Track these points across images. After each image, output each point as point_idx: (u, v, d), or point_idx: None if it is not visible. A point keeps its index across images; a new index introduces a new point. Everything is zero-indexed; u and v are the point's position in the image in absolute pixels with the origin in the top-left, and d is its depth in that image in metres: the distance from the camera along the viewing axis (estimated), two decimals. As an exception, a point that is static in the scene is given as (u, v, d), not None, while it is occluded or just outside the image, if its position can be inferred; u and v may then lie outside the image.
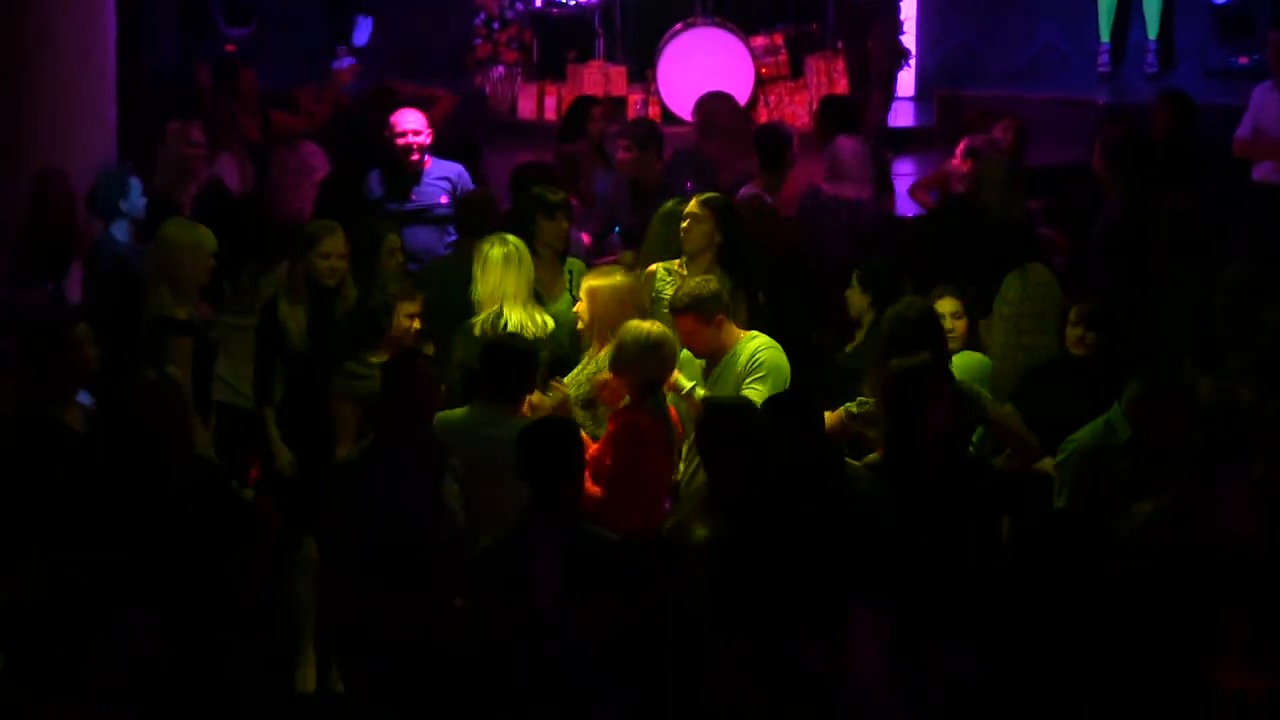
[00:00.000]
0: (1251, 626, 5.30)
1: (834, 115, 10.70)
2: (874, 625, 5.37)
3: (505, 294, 8.01)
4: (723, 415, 6.49)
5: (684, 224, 8.38)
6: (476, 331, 7.92)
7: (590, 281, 7.87)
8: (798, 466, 6.13)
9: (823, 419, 6.65)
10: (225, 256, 8.10)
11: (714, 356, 7.61)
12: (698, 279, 7.77)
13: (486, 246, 8.13)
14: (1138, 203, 9.08)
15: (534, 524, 6.01)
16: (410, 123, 9.84)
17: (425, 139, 9.81)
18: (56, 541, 5.94)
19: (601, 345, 7.65)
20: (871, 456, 6.97)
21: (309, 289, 8.10)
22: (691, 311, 7.53)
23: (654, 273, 8.45)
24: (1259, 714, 5.27)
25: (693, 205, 8.43)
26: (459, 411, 7.10)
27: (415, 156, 9.77)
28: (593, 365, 7.67)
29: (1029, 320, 8.18)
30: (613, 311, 7.65)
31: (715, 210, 8.39)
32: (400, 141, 9.78)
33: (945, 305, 7.85)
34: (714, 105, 11.04)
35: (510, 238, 8.20)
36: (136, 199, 8.95)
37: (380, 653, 6.10)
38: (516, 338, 7.60)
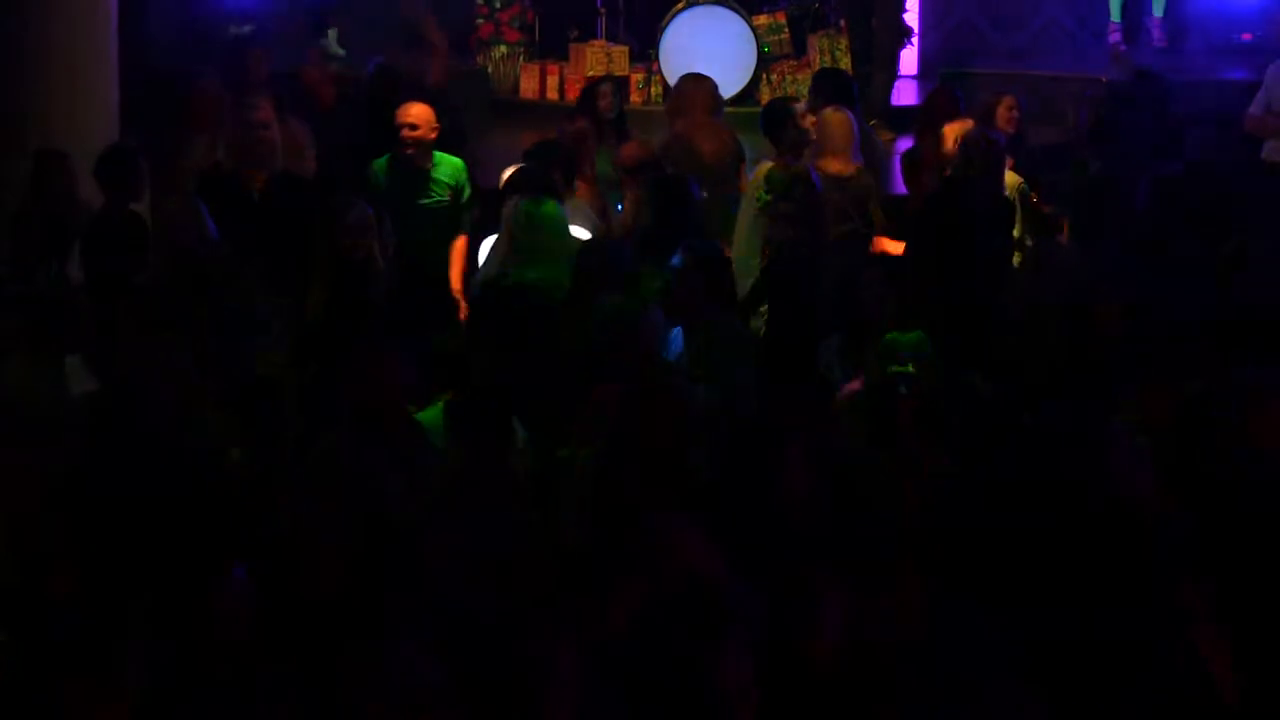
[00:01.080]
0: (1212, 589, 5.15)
1: (828, 90, 10.47)
2: (839, 600, 4.83)
3: (546, 254, 7.87)
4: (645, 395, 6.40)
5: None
6: None
7: None
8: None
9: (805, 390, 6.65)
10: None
11: (688, 321, 7.39)
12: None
13: (521, 207, 8.01)
14: (1098, 177, 9.24)
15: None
16: (411, 115, 9.51)
17: (425, 134, 9.47)
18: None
19: None
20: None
21: (334, 265, 8.00)
22: (704, 267, 7.41)
23: None
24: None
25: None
26: (430, 412, 6.79)
27: (410, 150, 9.45)
28: None
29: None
30: None
31: (641, 184, 8.36)
32: (403, 134, 9.48)
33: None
34: (687, 88, 10.82)
35: (546, 199, 8.12)
36: None
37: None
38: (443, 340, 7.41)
